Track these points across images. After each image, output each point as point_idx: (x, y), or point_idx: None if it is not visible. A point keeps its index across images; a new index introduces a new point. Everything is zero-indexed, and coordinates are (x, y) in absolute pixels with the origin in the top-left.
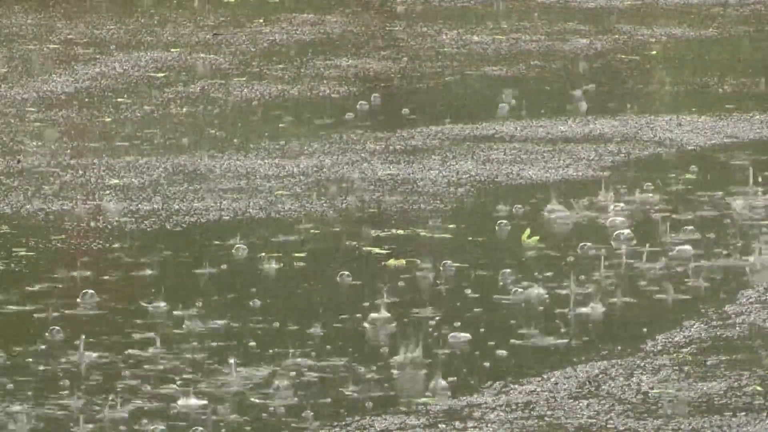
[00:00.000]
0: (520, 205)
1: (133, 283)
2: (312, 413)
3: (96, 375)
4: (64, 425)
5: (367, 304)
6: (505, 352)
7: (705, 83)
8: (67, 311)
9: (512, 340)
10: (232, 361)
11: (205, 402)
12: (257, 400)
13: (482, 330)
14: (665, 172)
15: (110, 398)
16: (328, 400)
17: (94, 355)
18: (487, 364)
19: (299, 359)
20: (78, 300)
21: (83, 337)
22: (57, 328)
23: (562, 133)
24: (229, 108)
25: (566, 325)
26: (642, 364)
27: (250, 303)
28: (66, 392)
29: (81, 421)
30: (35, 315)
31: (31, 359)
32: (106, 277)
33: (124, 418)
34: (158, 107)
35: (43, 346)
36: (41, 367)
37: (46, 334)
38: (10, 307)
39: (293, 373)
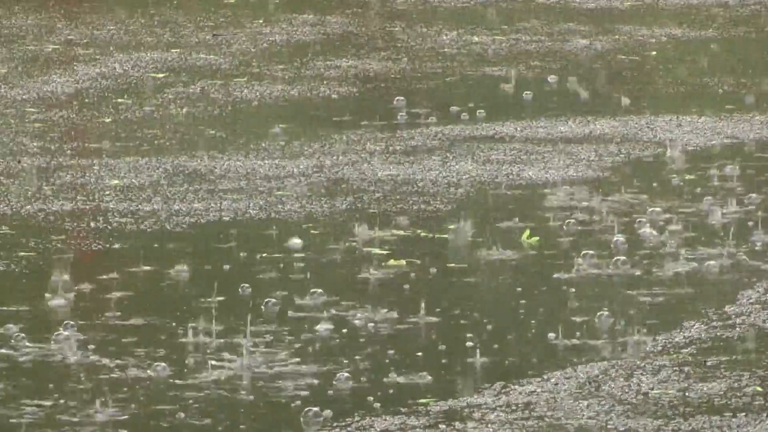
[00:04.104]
0: (520, 206)
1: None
2: (312, 413)
3: None
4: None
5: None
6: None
7: (705, 83)
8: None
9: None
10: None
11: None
12: (256, 402)
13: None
14: (665, 172)
15: None
16: (329, 401)
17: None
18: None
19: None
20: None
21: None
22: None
23: (562, 133)
24: (229, 108)
25: (567, 325)
26: (642, 364)
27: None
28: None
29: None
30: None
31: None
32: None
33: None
34: (158, 107)
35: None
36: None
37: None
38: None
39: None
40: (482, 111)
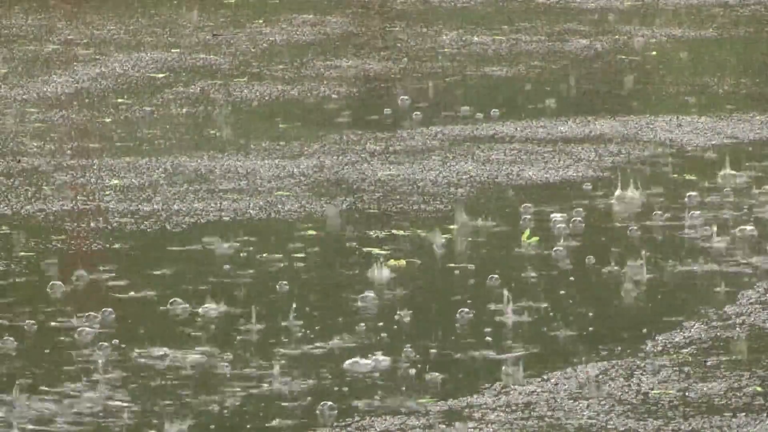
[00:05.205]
0: (520, 206)
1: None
2: (312, 413)
3: None
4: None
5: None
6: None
7: (705, 83)
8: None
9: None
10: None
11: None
12: (256, 404)
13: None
14: (665, 172)
15: None
16: (329, 401)
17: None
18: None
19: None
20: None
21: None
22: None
23: (562, 133)
24: (229, 108)
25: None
26: (642, 364)
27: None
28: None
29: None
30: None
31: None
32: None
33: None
34: (158, 107)
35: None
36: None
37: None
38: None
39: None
40: (496, 111)
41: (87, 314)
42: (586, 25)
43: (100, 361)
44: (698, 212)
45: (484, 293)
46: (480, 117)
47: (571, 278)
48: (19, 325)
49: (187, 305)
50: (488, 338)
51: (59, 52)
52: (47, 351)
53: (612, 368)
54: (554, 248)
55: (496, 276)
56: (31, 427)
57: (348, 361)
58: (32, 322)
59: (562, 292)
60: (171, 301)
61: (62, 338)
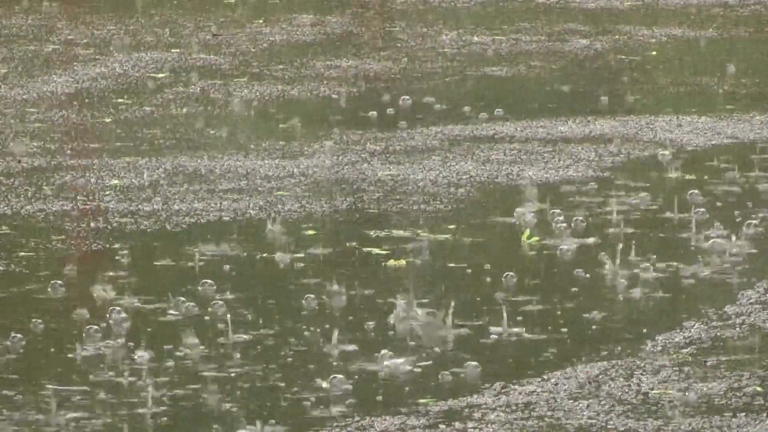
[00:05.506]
0: (519, 206)
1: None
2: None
3: None
4: None
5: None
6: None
7: (705, 83)
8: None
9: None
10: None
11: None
12: (257, 401)
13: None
14: (665, 172)
15: None
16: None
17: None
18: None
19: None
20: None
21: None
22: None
23: (562, 133)
24: (229, 108)
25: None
26: (642, 364)
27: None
28: None
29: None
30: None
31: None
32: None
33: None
34: (158, 107)
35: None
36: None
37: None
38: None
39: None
40: (497, 110)
41: (87, 315)
42: (586, 25)
43: (102, 360)
44: (699, 212)
45: (484, 293)
46: (480, 117)
47: (571, 278)
48: (19, 325)
49: (189, 305)
50: (493, 336)
51: (59, 52)
52: (52, 350)
53: (612, 368)
54: (554, 248)
55: (496, 276)
56: (35, 427)
57: (350, 361)
58: (39, 321)
59: (561, 291)
60: (174, 299)
61: (62, 338)
